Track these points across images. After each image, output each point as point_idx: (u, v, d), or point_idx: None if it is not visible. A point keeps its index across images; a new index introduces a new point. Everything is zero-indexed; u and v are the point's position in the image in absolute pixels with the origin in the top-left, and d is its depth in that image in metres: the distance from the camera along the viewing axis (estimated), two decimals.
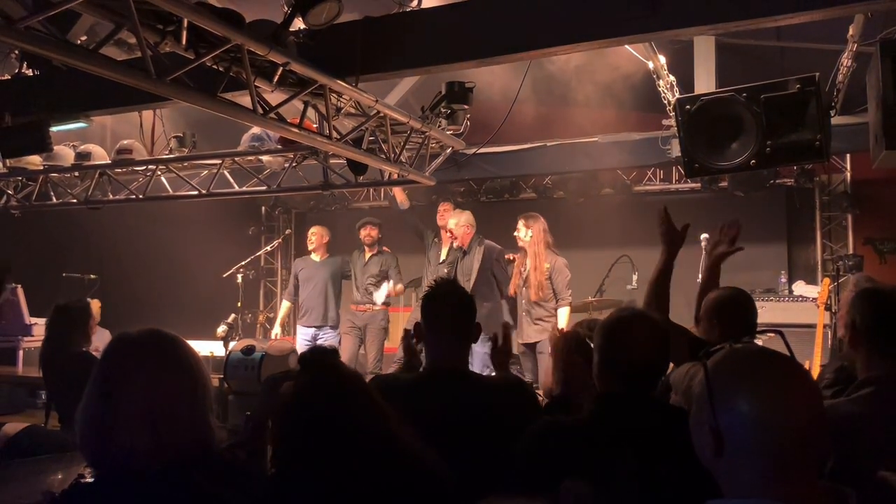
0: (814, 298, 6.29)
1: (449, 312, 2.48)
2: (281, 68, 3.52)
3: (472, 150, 6.33)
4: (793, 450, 1.31)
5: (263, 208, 10.02)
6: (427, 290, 2.58)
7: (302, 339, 6.99)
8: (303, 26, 3.56)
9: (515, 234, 6.28)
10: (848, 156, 7.31)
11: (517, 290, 6.36)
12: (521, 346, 6.24)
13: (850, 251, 7.45)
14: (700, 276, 3.31)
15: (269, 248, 8.36)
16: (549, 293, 6.15)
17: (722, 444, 1.31)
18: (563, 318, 6.11)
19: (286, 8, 3.44)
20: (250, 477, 1.80)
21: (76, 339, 4.37)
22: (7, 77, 5.09)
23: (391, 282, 6.93)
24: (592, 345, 2.17)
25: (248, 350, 4.69)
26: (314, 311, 7.02)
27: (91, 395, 1.54)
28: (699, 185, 7.51)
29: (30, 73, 4.88)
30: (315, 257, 7.15)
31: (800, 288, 6.94)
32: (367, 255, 7.06)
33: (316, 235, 7.12)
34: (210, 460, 1.60)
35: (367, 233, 7.04)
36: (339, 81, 3.80)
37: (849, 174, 7.57)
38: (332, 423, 1.71)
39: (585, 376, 2.48)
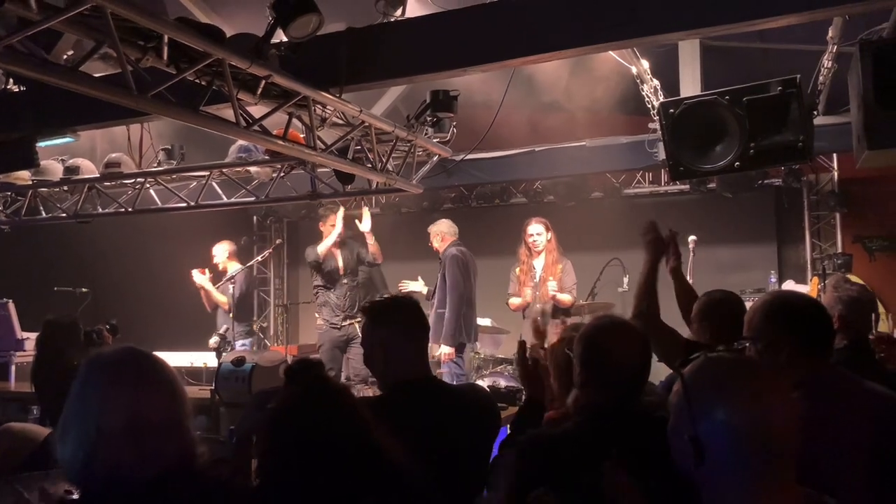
0: None
1: (415, 321, 2.44)
2: (263, 81, 3.53)
3: (461, 157, 6.36)
4: (772, 457, 1.32)
5: (255, 218, 10.00)
6: (371, 308, 2.50)
7: None
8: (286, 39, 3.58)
9: (535, 238, 6.39)
10: (835, 155, 7.34)
11: (534, 295, 6.38)
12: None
13: (839, 250, 7.49)
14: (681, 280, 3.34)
15: (260, 257, 8.33)
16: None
17: (702, 454, 1.32)
18: (563, 297, 6.30)
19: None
20: (233, 492, 1.81)
21: (70, 353, 4.36)
22: None
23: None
24: (572, 354, 2.18)
25: (239, 361, 4.69)
26: None
27: (72, 417, 1.55)
28: (688, 186, 7.54)
29: (16, 88, 4.88)
30: None
31: (790, 287, 6.96)
32: None
33: None
34: (193, 474, 1.61)
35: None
36: (322, 93, 3.82)
37: (836, 173, 7.60)
38: (316, 435, 1.72)
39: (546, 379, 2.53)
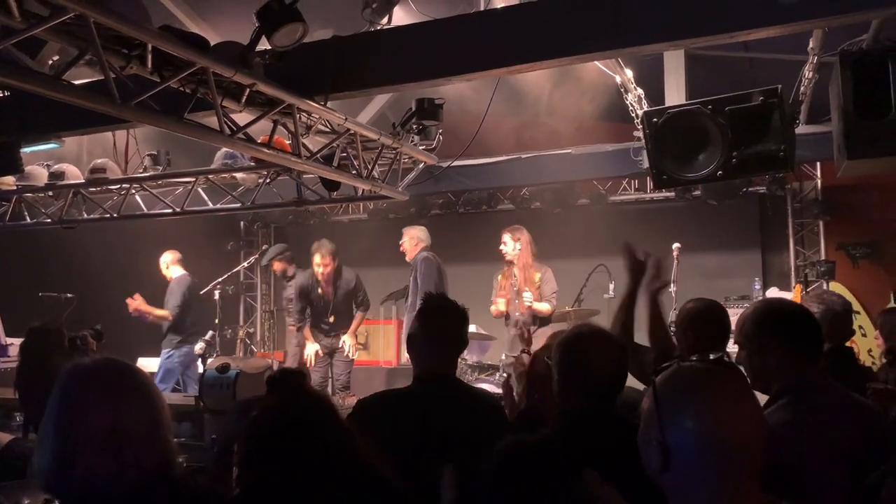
0: None
1: (447, 323, 2.64)
2: (248, 89, 3.54)
3: (447, 164, 6.38)
4: (737, 464, 1.35)
5: (242, 223, 9.99)
6: (422, 304, 2.77)
7: None
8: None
9: (502, 248, 6.33)
10: (818, 163, 7.43)
11: (509, 305, 6.37)
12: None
13: (823, 257, 7.56)
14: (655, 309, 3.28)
15: (246, 263, 8.34)
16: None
17: (668, 459, 1.35)
18: (540, 307, 6.22)
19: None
20: (211, 501, 1.81)
21: (55, 360, 4.34)
22: None
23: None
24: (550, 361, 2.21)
25: (223, 368, 4.67)
26: None
27: (50, 428, 1.55)
28: (673, 194, 7.60)
29: (0, 94, 4.86)
30: None
31: (774, 294, 7.02)
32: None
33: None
34: (172, 484, 1.62)
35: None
36: (307, 101, 3.83)
37: (819, 181, 7.70)
38: (296, 444, 1.74)
39: (550, 389, 2.53)
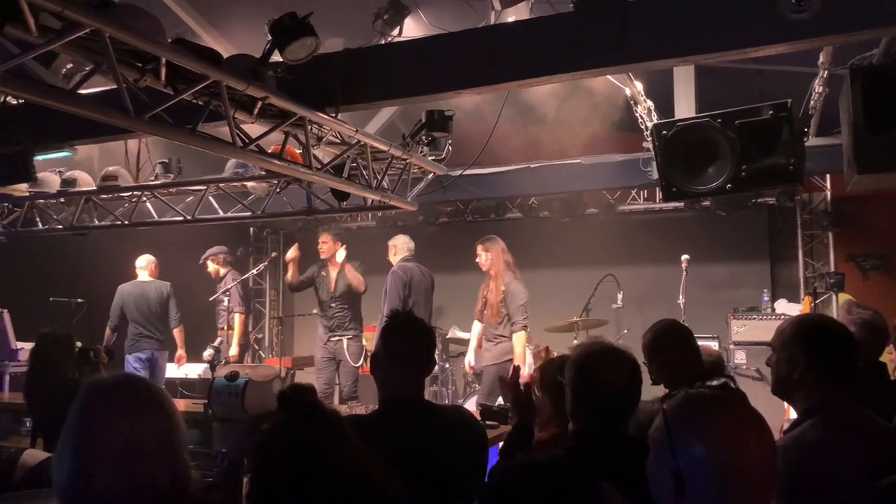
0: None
1: (412, 344, 2.49)
2: (260, 102, 3.57)
3: (458, 173, 6.41)
4: (749, 489, 1.36)
5: (252, 230, 10.05)
6: (387, 322, 2.59)
7: None
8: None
9: (477, 260, 6.38)
10: (828, 175, 7.41)
11: (481, 314, 6.40)
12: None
13: (832, 269, 7.54)
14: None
15: (255, 270, 8.37)
16: (503, 316, 6.10)
17: (683, 487, 1.36)
18: (518, 343, 5.98)
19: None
20: None
21: (64, 367, 4.37)
22: None
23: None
24: (564, 380, 2.21)
25: (233, 376, 4.69)
26: None
27: (69, 443, 1.57)
28: (682, 204, 7.59)
29: (14, 101, 4.91)
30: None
31: (782, 306, 7.01)
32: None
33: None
34: (185, 501, 1.63)
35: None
36: (318, 113, 3.86)
37: (829, 192, 7.67)
38: (307, 461, 1.75)
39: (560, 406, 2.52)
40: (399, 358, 2.45)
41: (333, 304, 7.07)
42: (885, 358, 6.26)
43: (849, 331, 2.29)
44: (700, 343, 3.09)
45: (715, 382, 2.78)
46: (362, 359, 6.98)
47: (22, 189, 6.12)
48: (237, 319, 7.60)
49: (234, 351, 7.43)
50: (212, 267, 7.87)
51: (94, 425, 1.56)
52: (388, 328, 2.55)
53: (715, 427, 1.39)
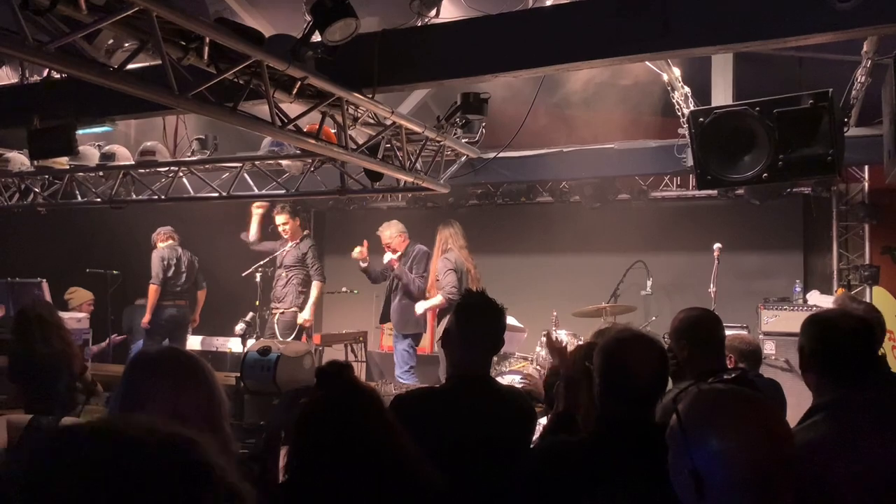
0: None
1: (483, 322, 2.61)
2: (299, 82, 3.61)
3: (491, 155, 6.40)
4: (769, 482, 1.37)
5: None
6: (461, 300, 2.77)
7: None
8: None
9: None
10: (866, 166, 7.27)
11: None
12: None
13: (867, 261, 7.42)
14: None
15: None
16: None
17: (702, 485, 1.37)
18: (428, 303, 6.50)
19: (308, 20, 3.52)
20: (263, 491, 1.89)
21: (46, 338, 4.44)
22: (36, 80, 5.22)
23: None
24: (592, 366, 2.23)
25: (265, 351, 4.80)
26: None
27: (116, 410, 1.64)
28: (716, 192, 7.50)
29: (58, 76, 5.00)
30: None
31: (814, 297, 6.91)
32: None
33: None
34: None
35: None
36: (355, 94, 3.89)
37: (867, 184, 7.53)
38: (344, 437, 1.80)
39: (589, 393, 2.55)
40: (470, 336, 2.57)
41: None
42: (885, 345, 6.19)
43: (864, 329, 2.21)
44: (737, 332, 3.06)
45: (726, 376, 2.77)
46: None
47: (62, 162, 6.24)
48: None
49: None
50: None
51: (139, 394, 1.63)
52: (461, 307, 2.68)
53: (728, 422, 1.39)
